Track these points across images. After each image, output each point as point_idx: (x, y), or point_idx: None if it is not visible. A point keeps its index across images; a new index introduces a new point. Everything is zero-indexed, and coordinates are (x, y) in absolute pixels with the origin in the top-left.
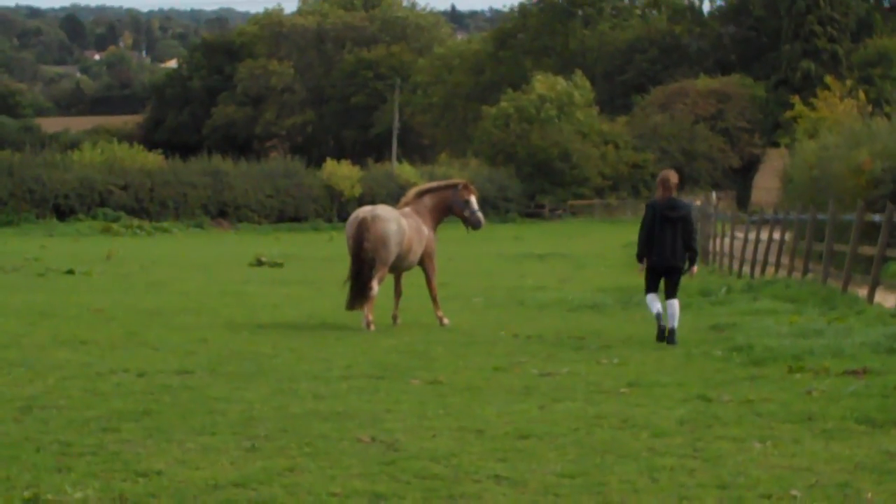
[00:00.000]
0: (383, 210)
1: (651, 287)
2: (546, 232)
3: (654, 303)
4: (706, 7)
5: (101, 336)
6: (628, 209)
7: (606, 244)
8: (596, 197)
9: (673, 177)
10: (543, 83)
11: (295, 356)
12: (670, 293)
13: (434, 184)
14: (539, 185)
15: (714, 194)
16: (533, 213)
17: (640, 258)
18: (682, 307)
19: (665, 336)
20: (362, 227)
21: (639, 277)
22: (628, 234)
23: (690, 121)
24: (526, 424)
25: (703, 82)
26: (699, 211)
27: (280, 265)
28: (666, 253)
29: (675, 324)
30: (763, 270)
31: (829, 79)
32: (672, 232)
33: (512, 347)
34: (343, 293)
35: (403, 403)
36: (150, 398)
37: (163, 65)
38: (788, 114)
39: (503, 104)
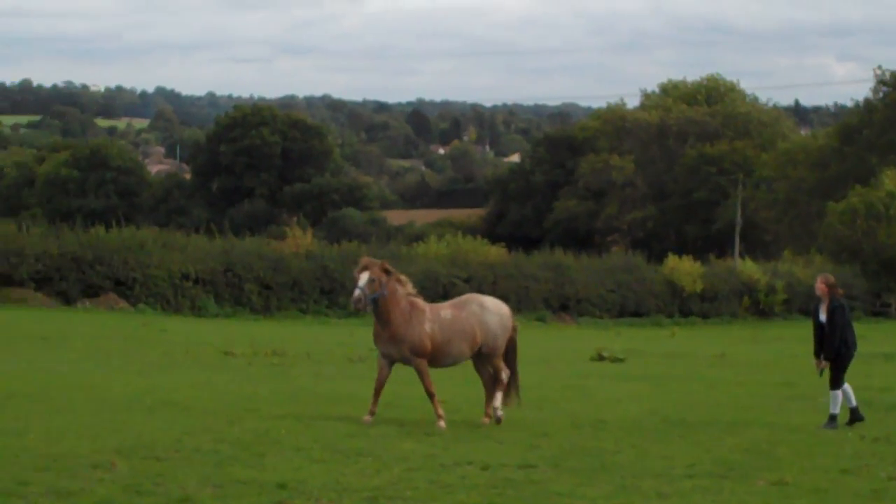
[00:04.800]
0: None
1: None
2: (892, 331)
3: None
4: None
5: (446, 428)
6: None
7: None
8: None
9: None
10: (893, 179)
11: (637, 453)
12: None
13: None
14: (885, 283)
15: None
16: (879, 311)
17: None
18: None
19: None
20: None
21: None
22: None
23: None
24: None
25: None
26: None
27: (621, 360)
28: None
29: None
30: None
31: None
32: None
33: (859, 448)
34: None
35: None
36: (493, 492)
37: (506, 159)
38: None
39: (852, 199)
